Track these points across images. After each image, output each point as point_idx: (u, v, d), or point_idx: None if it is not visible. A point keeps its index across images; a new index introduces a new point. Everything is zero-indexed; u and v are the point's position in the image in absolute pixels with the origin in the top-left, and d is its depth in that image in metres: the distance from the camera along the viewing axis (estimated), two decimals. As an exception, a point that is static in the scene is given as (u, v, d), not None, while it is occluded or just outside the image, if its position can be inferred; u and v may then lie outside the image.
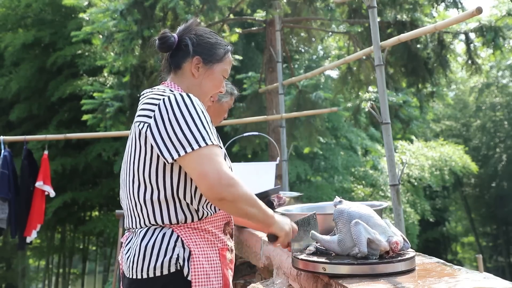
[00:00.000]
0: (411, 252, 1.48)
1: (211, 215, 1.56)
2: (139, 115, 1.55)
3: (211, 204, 1.56)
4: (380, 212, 1.68)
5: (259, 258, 2.41)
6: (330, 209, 1.65)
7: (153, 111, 1.50)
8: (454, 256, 25.09)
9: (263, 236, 2.30)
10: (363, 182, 14.32)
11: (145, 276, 1.48)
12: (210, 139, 1.46)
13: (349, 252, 1.46)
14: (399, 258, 1.40)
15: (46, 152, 5.02)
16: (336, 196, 1.65)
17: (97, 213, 16.04)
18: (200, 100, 1.64)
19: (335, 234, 1.53)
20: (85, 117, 8.72)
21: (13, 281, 18.11)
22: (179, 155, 1.45)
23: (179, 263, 1.47)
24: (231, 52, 1.73)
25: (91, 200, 13.73)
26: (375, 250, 1.40)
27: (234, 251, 1.67)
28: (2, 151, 4.81)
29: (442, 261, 1.49)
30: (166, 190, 1.50)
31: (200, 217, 1.53)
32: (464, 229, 25.13)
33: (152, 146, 1.50)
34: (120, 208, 1.76)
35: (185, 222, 1.52)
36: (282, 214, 1.97)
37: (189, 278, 1.47)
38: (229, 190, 1.41)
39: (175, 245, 1.49)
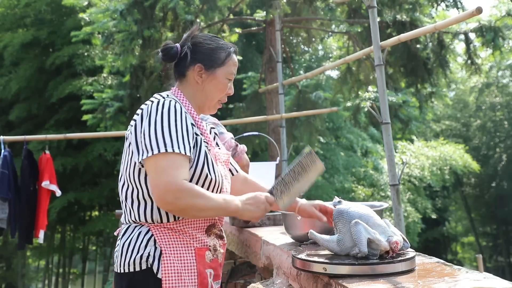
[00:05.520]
0: (411, 252, 1.48)
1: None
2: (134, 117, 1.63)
3: None
4: (380, 212, 1.68)
5: (259, 258, 2.41)
6: (330, 209, 1.64)
7: (138, 114, 1.58)
8: (454, 256, 25.09)
9: (263, 236, 2.30)
10: (364, 182, 14.30)
11: (122, 271, 1.57)
12: (172, 146, 1.48)
13: (348, 252, 1.46)
14: (399, 258, 1.40)
15: (47, 152, 5.02)
16: (336, 196, 1.65)
17: (97, 213, 16.03)
18: (206, 105, 1.71)
19: (334, 234, 1.53)
20: (85, 117, 8.73)
21: (13, 281, 18.11)
22: (143, 157, 1.49)
23: (149, 261, 1.53)
24: (235, 53, 1.74)
25: (92, 200, 13.72)
26: (375, 250, 1.40)
27: (219, 250, 1.67)
28: (2, 151, 4.82)
29: (442, 261, 1.49)
30: (143, 190, 1.56)
31: (176, 218, 1.57)
32: (464, 229, 25.11)
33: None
34: (120, 207, 1.80)
35: (161, 222, 1.57)
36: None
37: (159, 276, 1.52)
38: (175, 203, 1.45)
39: (147, 244, 1.55)
